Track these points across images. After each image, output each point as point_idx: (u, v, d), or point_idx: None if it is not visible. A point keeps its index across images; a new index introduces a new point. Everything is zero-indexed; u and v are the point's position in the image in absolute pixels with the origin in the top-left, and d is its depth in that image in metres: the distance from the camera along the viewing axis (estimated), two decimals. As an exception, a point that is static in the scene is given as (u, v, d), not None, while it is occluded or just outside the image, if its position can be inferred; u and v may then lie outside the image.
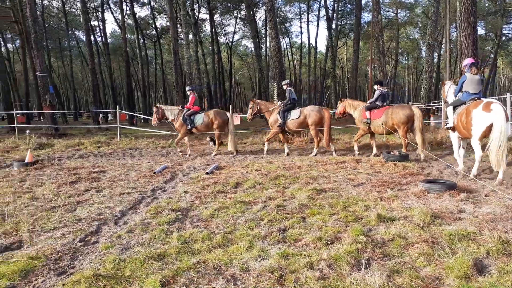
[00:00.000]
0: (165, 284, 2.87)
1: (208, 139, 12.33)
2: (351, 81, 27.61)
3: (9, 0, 27.50)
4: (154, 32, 43.18)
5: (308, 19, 44.44)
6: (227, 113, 11.03)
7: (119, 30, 39.90)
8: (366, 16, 49.86)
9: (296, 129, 10.09)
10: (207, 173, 7.33)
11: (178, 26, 26.01)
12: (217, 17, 41.35)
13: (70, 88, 48.67)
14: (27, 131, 13.90)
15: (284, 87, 10.65)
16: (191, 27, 22.95)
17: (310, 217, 4.40)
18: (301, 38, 50.08)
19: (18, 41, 38.24)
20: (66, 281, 2.95)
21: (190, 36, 22.06)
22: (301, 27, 59.37)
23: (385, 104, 9.31)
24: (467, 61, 6.89)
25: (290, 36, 49.62)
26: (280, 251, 3.37)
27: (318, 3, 41.25)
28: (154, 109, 11.05)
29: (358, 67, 31.99)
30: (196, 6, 30.40)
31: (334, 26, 35.21)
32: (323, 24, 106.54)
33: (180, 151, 10.85)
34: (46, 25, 33.53)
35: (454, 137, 7.24)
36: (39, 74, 17.06)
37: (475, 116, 6.03)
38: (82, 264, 3.27)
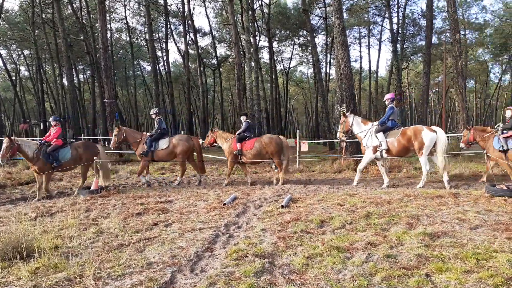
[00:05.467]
0: None
1: (273, 166, 11.60)
2: (421, 105, 25.90)
3: (83, 33, 29.59)
4: (213, 61, 44.32)
5: (368, 43, 43.10)
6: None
7: (181, 60, 41.41)
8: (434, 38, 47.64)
9: (165, 159, 10.14)
10: (282, 207, 6.52)
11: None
12: (275, 44, 41.55)
13: (133, 115, 50.97)
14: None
15: (153, 116, 10.34)
16: (253, 54, 22.89)
17: (436, 274, 3.38)
18: (360, 63, 48.42)
19: (88, 71, 41.01)
20: None
21: (252, 63, 21.95)
22: (360, 51, 58.19)
23: (252, 135, 10.14)
24: None
25: (348, 61, 48.40)
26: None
27: (380, 25, 39.94)
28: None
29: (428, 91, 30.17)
30: (257, 33, 30.66)
31: (399, 49, 33.70)
32: (384, 48, 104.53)
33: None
34: (114, 56, 35.47)
35: None
36: (107, 100, 17.56)
37: None
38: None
